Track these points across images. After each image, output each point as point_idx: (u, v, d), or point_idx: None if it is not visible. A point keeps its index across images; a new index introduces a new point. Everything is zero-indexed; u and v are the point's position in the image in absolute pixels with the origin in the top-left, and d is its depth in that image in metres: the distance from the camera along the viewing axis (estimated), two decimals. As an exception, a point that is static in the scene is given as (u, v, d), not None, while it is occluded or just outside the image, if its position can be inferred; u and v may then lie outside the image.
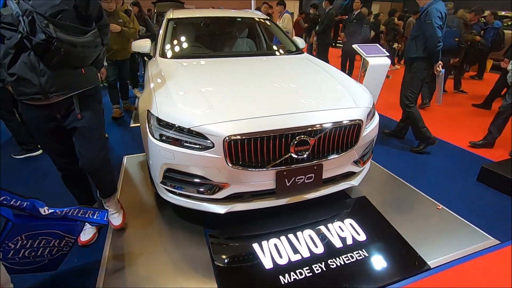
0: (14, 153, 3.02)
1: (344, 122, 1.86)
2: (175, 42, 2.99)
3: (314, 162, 1.84)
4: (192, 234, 1.98)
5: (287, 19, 6.25)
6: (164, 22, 3.14)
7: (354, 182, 2.14)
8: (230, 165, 1.69)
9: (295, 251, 1.78)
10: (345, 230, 1.95)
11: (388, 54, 3.08)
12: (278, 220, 2.03)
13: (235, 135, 1.64)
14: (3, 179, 2.62)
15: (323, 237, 1.88)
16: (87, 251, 1.86)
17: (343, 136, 1.89)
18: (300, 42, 3.34)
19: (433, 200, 2.39)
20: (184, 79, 2.14)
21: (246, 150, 1.69)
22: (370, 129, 2.08)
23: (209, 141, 1.68)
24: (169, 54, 2.74)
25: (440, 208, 2.29)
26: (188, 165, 1.75)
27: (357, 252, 1.78)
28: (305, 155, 1.79)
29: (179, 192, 1.86)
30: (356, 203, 2.24)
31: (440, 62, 2.77)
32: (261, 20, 3.50)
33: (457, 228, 2.09)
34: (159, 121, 1.79)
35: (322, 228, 1.95)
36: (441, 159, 3.07)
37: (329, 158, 1.88)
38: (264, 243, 1.81)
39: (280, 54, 3.11)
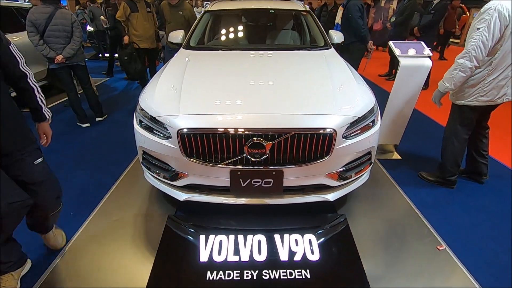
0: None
1: (311, 129, 1.69)
2: (201, 34, 3.15)
3: (273, 167, 1.76)
4: (164, 213, 2.16)
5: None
6: (201, 14, 3.33)
7: (329, 197, 1.94)
8: (185, 157, 1.77)
9: (236, 252, 1.76)
10: (299, 244, 1.81)
11: (431, 54, 2.54)
12: (240, 218, 2.03)
13: (188, 129, 1.70)
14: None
15: (271, 246, 1.80)
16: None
17: (311, 145, 1.73)
18: (336, 37, 3.07)
19: (438, 237, 1.96)
20: (180, 70, 2.27)
21: (200, 144, 1.74)
22: (356, 141, 1.83)
23: (168, 132, 1.78)
24: (190, 45, 2.92)
25: (441, 248, 1.87)
26: (154, 151, 1.91)
27: (299, 270, 1.65)
28: (261, 159, 1.72)
29: (150, 173, 2.05)
30: (329, 220, 2.03)
31: (370, 41, 3.90)
32: (296, 11, 3.34)
33: (450, 276, 1.69)
34: (140, 107, 1.99)
35: (276, 236, 1.86)
36: (485, 195, 2.45)
37: (291, 166, 1.76)
38: (211, 237, 1.86)
39: (305, 49, 2.93)
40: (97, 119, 3.93)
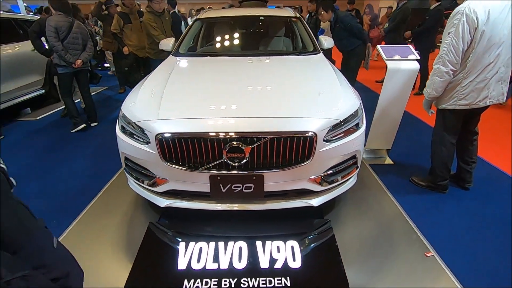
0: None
1: (290, 133, 1.66)
2: (191, 41, 3.18)
3: (253, 172, 1.73)
4: (147, 220, 2.13)
5: None
6: (191, 22, 3.36)
7: (313, 202, 1.89)
8: (165, 162, 1.75)
9: (216, 259, 1.72)
10: (281, 252, 1.76)
11: (419, 57, 2.51)
12: (222, 225, 1.98)
13: (166, 133, 1.69)
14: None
15: (252, 253, 1.75)
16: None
17: (291, 149, 1.70)
18: (326, 43, 3.07)
19: (426, 243, 1.90)
20: (165, 76, 2.27)
21: (178, 149, 1.71)
22: (339, 144, 1.80)
23: (147, 137, 1.77)
24: (180, 52, 2.94)
25: (429, 255, 1.81)
26: (135, 157, 1.89)
27: (279, 278, 1.60)
28: (241, 163, 1.69)
29: (133, 180, 2.03)
30: (314, 226, 1.98)
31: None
32: (285, 18, 3.36)
33: (437, 283, 1.62)
34: (122, 113, 1.98)
35: (258, 243, 1.81)
36: (476, 199, 2.39)
37: (272, 170, 1.73)
38: (191, 244, 1.81)
39: (294, 54, 2.93)
40: (92, 124, 4.03)
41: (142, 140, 1.81)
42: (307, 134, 1.67)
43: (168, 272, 1.65)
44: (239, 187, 1.77)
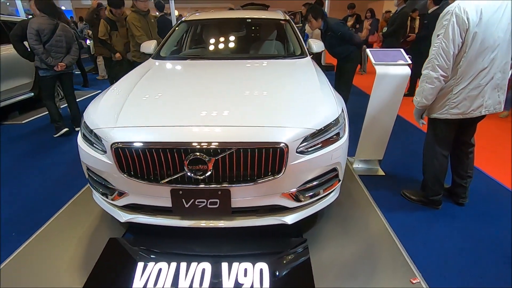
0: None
1: (258, 143, 1.50)
2: (175, 43, 3.05)
3: (218, 186, 1.56)
4: (111, 235, 1.97)
5: None
6: (175, 25, 3.24)
7: (287, 219, 1.72)
8: (122, 174, 1.60)
9: (174, 282, 1.55)
10: (249, 275, 1.59)
11: (410, 62, 2.34)
12: (189, 242, 1.82)
13: (122, 143, 1.54)
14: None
15: (216, 276, 1.58)
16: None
17: (260, 161, 1.54)
18: (315, 46, 2.92)
19: (413, 268, 1.71)
20: (134, 80, 2.13)
21: (136, 160, 1.56)
22: (315, 156, 1.63)
23: (104, 146, 1.62)
24: (161, 55, 2.80)
25: (414, 282, 1.62)
26: (94, 167, 1.74)
27: (242, 307, 1.42)
28: (204, 176, 1.53)
29: (95, 191, 1.88)
30: (288, 245, 1.80)
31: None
32: (274, 20, 3.22)
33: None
34: (83, 120, 1.84)
35: (224, 265, 1.64)
36: (471, 217, 2.19)
37: (239, 185, 1.56)
38: (150, 264, 1.65)
39: (279, 57, 2.78)
40: (76, 128, 3.91)
41: (100, 149, 1.67)
42: (276, 146, 1.51)
43: (120, 297, 1.49)
44: (203, 202, 1.61)
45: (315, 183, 1.73)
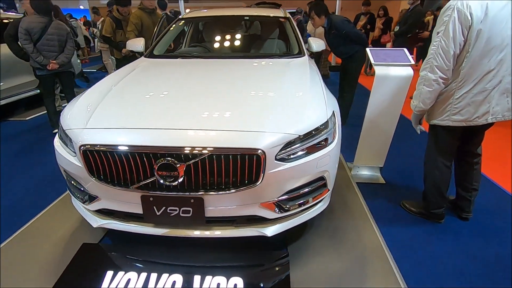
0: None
1: (231, 149, 1.38)
2: (169, 42, 2.97)
3: (191, 194, 1.46)
4: (88, 239, 1.90)
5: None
6: (172, 22, 3.16)
7: (267, 231, 1.59)
8: (92, 177, 1.52)
9: (142, 296, 1.45)
10: (221, 290, 1.47)
11: (412, 62, 2.15)
12: (163, 251, 1.72)
13: (89, 145, 1.45)
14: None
15: (186, 290, 1.47)
16: None
17: (235, 169, 1.42)
18: (315, 45, 2.77)
19: (402, 285, 1.55)
20: (114, 80, 2.04)
21: (106, 164, 1.47)
22: (298, 164, 1.49)
23: (74, 147, 1.54)
24: (154, 53, 2.73)
25: (405, 306, 1.46)
26: (67, 169, 1.67)
27: (209, 327, 1.31)
28: (176, 183, 1.43)
29: (71, 194, 1.81)
30: (267, 259, 1.67)
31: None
32: (272, 18, 3.09)
33: None
34: (60, 121, 1.77)
35: (196, 278, 1.52)
36: (475, 234, 1.99)
37: (213, 193, 1.45)
38: (119, 273, 1.56)
39: (275, 56, 2.65)
40: None
41: (72, 151, 1.59)
42: (252, 152, 1.38)
43: (83, 308, 1.40)
44: (176, 210, 1.50)
45: (299, 192, 1.60)
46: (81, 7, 18.57)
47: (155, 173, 1.42)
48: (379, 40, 6.58)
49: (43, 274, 1.64)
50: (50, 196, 2.40)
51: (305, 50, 2.67)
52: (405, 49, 2.26)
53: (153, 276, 1.54)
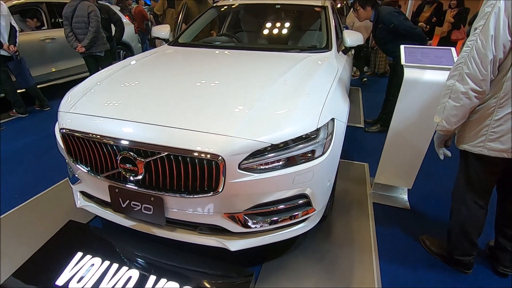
0: None
1: (187, 151, 1.25)
2: (198, 30, 2.92)
3: (151, 192, 1.39)
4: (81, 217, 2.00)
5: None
6: (205, 10, 3.11)
7: (230, 245, 1.44)
8: (70, 160, 1.56)
9: (97, 284, 1.44)
10: (170, 298, 1.38)
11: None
12: (136, 244, 1.70)
13: (66, 129, 1.49)
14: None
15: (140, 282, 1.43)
16: None
17: (194, 172, 1.29)
18: (349, 40, 2.42)
19: None
20: (123, 66, 2.07)
21: (81, 149, 1.50)
22: (269, 177, 1.30)
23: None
24: (178, 41, 2.71)
25: None
26: (60, 150, 1.75)
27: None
28: (136, 178, 1.37)
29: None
30: (229, 275, 1.50)
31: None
32: (306, 7, 2.79)
33: None
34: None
35: (151, 278, 1.45)
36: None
37: (172, 194, 1.35)
38: (87, 257, 1.57)
39: (296, 50, 2.37)
40: None
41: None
42: (210, 157, 1.23)
43: (44, 285, 1.47)
44: (138, 206, 1.45)
45: (271, 208, 1.40)
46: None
47: (119, 165, 1.39)
48: (448, 37, 5.38)
49: (29, 245, 1.77)
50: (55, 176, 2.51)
51: (333, 44, 2.34)
52: (453, 49, 1.78)
53: (114, 266, 1.53)
